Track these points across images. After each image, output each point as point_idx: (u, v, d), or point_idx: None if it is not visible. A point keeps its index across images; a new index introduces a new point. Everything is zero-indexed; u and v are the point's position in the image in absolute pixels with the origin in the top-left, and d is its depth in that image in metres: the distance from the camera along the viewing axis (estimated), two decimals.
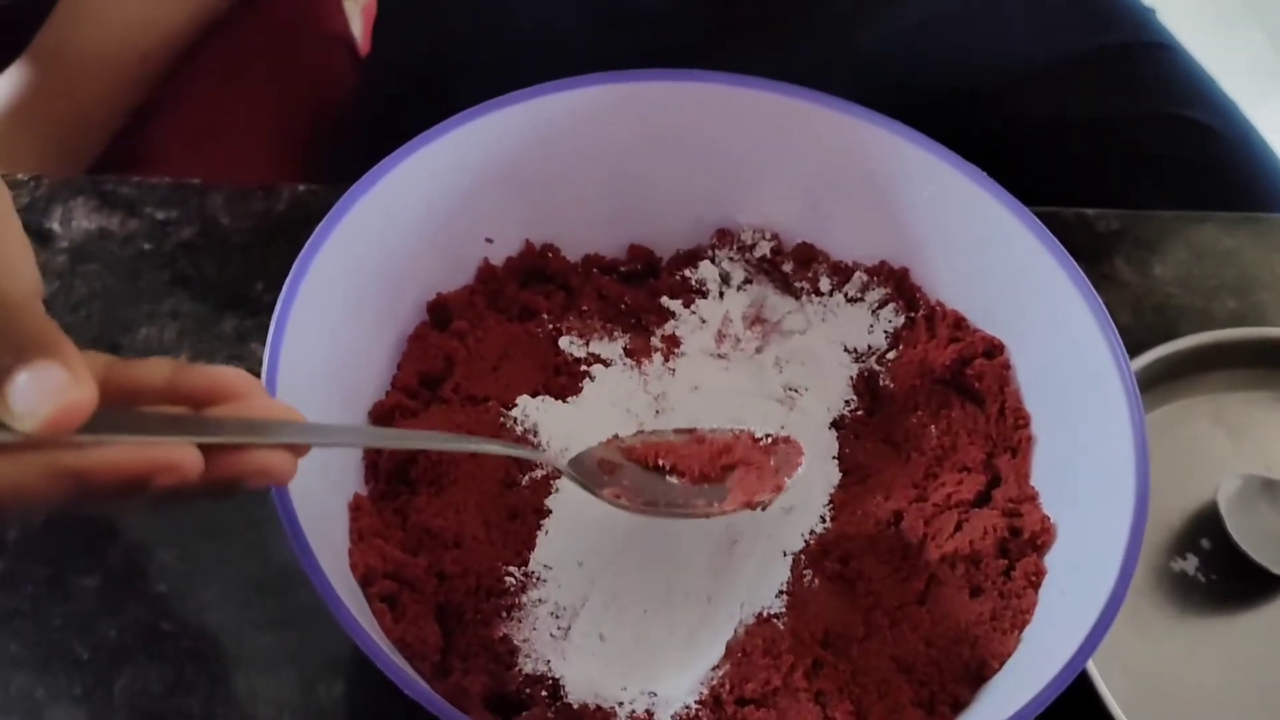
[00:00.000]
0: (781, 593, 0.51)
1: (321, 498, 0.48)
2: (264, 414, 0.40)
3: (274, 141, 0.79)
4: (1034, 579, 0.50)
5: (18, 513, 0.38)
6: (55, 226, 0.64)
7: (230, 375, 0.41)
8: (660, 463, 0.51)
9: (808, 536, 0.53)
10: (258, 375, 0.47)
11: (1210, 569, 0.58)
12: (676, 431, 0.53)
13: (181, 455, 0.37)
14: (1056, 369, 0.53)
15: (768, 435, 0.52)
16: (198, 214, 0.66)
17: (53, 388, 0.36)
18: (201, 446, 0.38)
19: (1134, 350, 0.60)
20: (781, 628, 0.50)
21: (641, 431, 0.53)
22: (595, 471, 0.50)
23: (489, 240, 0.57)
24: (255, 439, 0.39)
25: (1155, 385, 0.61)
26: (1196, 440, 0.62)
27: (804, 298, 0.58)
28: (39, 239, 0.64)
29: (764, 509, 0.51)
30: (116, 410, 0.38)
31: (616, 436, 0.52)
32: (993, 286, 0.55)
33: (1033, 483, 0.53)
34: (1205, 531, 0.59)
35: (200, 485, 0.38)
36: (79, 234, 0.64)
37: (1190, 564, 0.58)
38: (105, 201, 0.66)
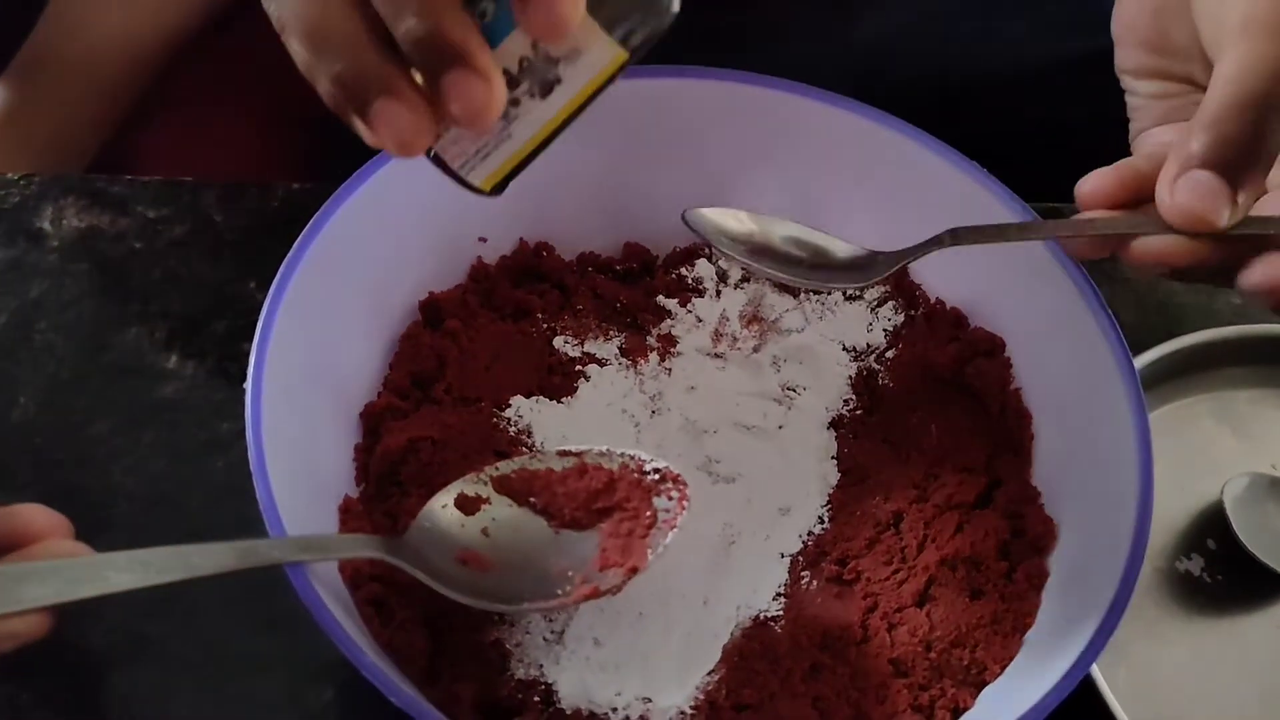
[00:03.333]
0: (779, 595, 0.50)
1: (310, 500, 0.48)
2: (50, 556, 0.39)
3: (266, 144, 0.78)
4: (1036, 581, 0.49)
5: None
6: (46, 225, 0.64)
7: (26, 518, 0.39)
8: (532, 500, 0.49)
9: (805, 538, 0.52)
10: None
11: (1216, 570, 0.57)
12: (560, 453, 0.50)
13: None
14: (1058, 367, 0.52)
15: (655, 470, 0.49)
16: (190, 212, 0.65)
17: None
18: None
19: (1137, 348, 0.59)
20: (779, 631, 0.49)
21: (527, 453, 0.51)
22: (450, 520, 0.48)
23: (482, 239, 0.57)
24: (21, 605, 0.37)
25: (1159, 383, 0.61)
26: (1202, 439, 0.61)
27: (802, 295, 0.57)
28: (30, 238, 0.63)
29: (614, 594, 0.47)
30: None
31: (497, 461, 0.50)
32: (992, 283, 0.54)
33: (1035, 483, 0.52)
34: (1211, 532, 0.58)
35: None
36: (69, 233, 0.63)
37: (1196, 564, 0.57)
38: (96, 200, 0.65)
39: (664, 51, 0.77)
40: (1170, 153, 0.43)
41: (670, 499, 0.48)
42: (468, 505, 0.48)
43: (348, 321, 0.52)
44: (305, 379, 0.49)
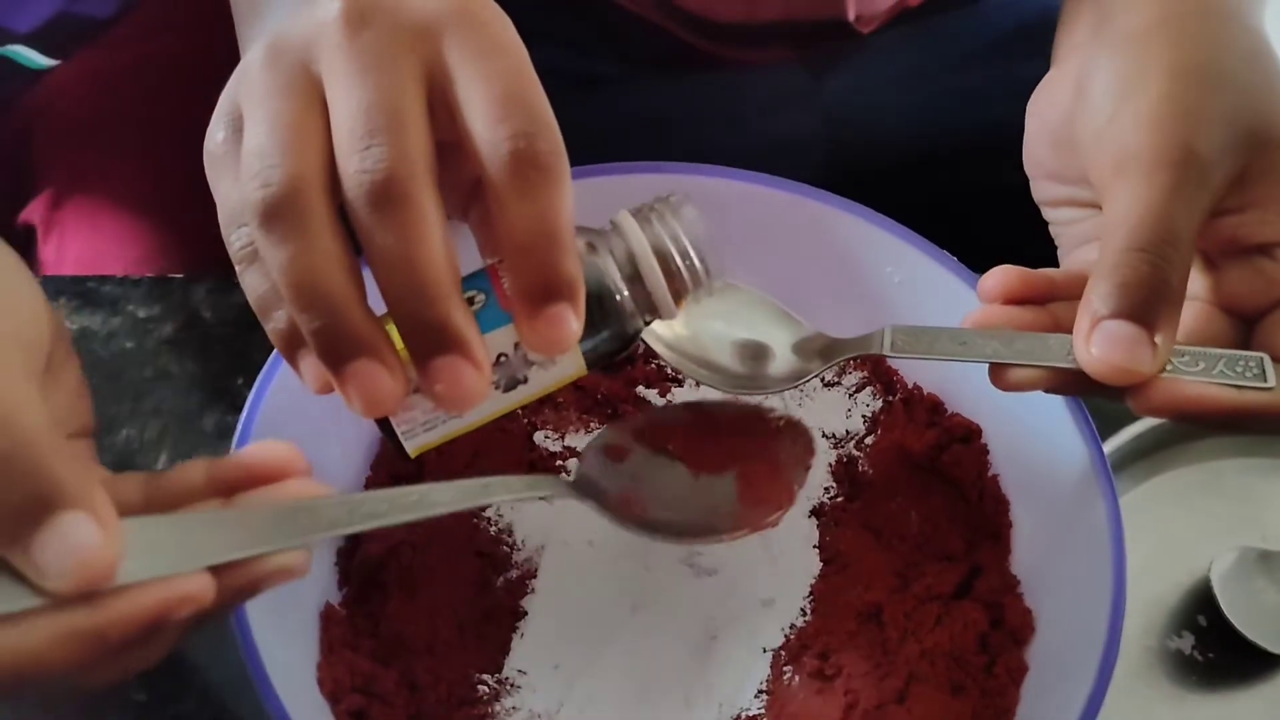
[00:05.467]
0: (761, 692, 0.50)
1: (291, 609, 0.48)
2: (296, 496, 0.39)
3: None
4: (1015, 675, 0.49)
5: (37, 686, 0.35)
6: None
7: (264, 455, 0.39)
8: (670, 447, 0.50)
9: (787, 630, 0.52)
10: None
11: (1208, 647, 0.57)
12: (686, 406, 0.52)
13: (194, 584, 0.35)
14: (1031, 452, 0.52)
15: (779, 417, 0.51)
16: (180, 308, 0.66)
17: (81, 543, 0.34)
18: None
19: (1123, 421, 0.59)
20: None
21: (654, 405, 0.53)
22: (603, 465, 0.49)
23: None
24: (274, 545, 0.37)
25: (1146, 456, 0.60)
26: (1191, 511, 0.61)
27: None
28: None
29: (773, 527, 0.49)
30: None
31: (631, 411, 0.51)
32: (967, 368, 0.54)
33: (1014, 570, 0.52)
34: (1201, 608, 0.57)
35: (216, 606, 0.36)
36: None
37: (1186, 642, 0.57)
38: (87, 300, 0.66)
39: (628, 124, 0.78)
40: (1079, 307, 0.43)
41: (794, 444, 0.50)
42: (615, 454, 0.50)
43: (328, 423, 0.53)
44: None
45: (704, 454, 0.50)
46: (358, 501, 0.40)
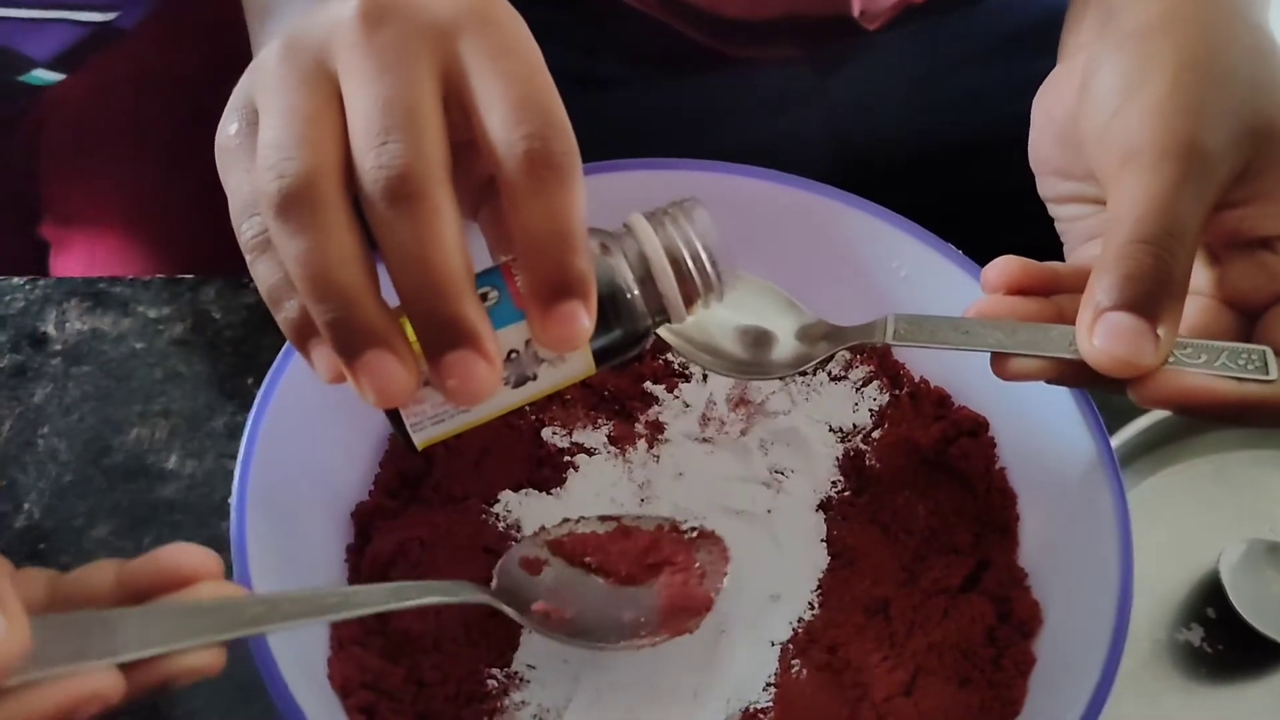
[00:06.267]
0: (769, 685, 0.50)
1: None
2: (212, 597, 0.38)
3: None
4: (1023, 668, 0.49)
5: None
6: (50, 329, 0.65)
7: (176, 558, 0.38)
8: (587, 560, 0.51)
9: (796, 625, 0.52)
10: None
11: (1216, 639, 0.56)
12: (601, 519, 0.52)
13: (101, 681, 0.34)
14: (1038, 446, 0.52)
15: (691, 528, 0.52)
16: (190, 309, 0.66)
17: None
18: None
19: (1133, 413, 0.59)
20: None
21: (568, 520, 0.53)
22: (521, 578, 0.50)
23: None
24: (188, 643, 0.36)
25: (1156, 448, 0.60)
26: (1200, 503, 0.61)
27: (787, 377, 0.58)
28: (33, 343, 0.64)
29: (692, 632, 0.50)
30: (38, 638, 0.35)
31: (543, 528, 0.52)
32: (973, 361, 0.54)
33: (1021, 563, 0.52)
34: (1210, 600, 0.57)
35: (124, 702, 0.35)
36: (72, 336, 0.65)
37: (1196, 634, 0.57)
38: (98, 302, 0.66)
39: (634, 124, 0.78)
40: (1083, 298, 0.43)
41: (710, 554, 0.51)
42: (531, 566, 0.50)
43: (337, 422, 0.53)
44: (295, 480, 0.50)
45: (621, 566, 0.51)
46: (278, 600, 0.39)
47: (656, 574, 0.50)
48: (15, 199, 0.80)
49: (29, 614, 0.35)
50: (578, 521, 0.52)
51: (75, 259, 0.77)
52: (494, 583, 0.49)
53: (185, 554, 0.39)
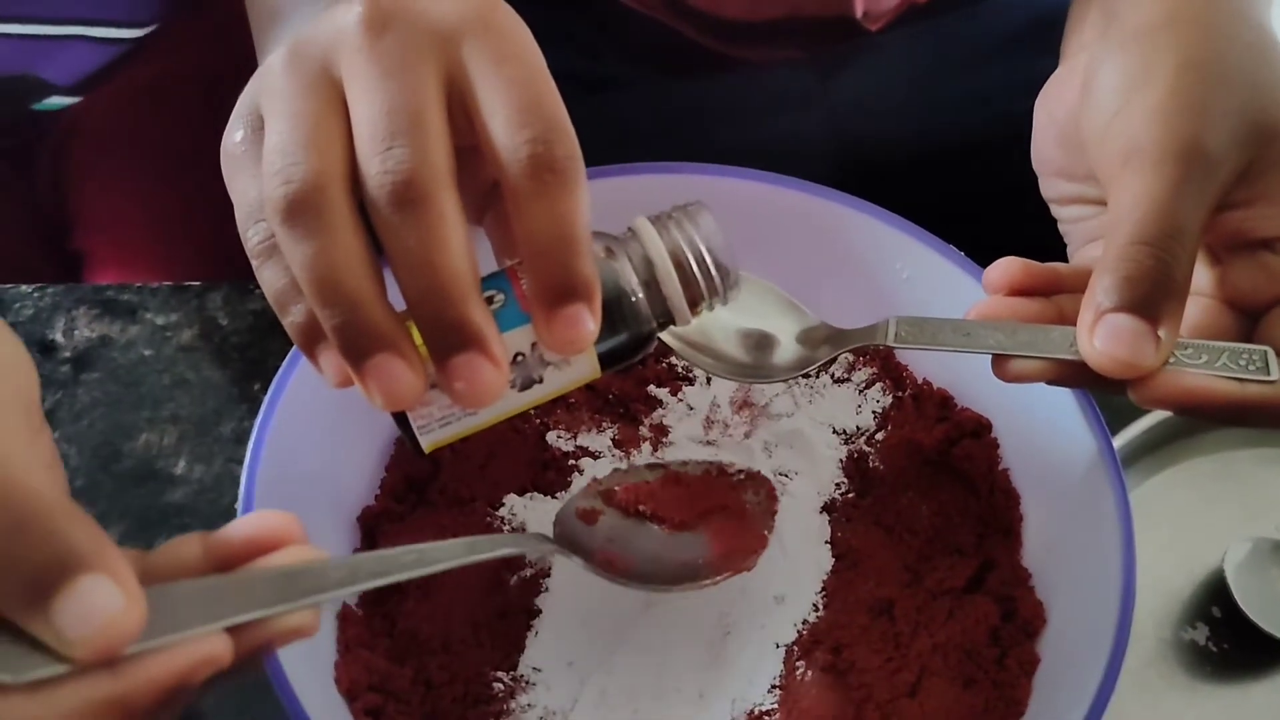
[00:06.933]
0: (774, 687, 0.51)
1: None
2: (297, 561, 0.38)
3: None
4: (1027, 668, 0.49)
5: None
6: (58, 337, 0.66)
7: (260, 525, 0.38)
8: (641, 509, 0.51)
9: (800, 627, 0.52)
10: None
11: (1221, 638, 0.57)
12: (649, 466, 0.53)
13: (215, 646, 0.34)
14: (1041, 446, 0.52)
15: (739, 471, 0.53)
16: (197, 315, 0.67)
17: (103, 607, 0.32)
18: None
19: (1136, 412, 0.59)
20: None
21: (617, 470, 0.53)
22: (579, 528, 0.50)
23: None
24: (288, 605, 0.37)
25: (1158, 448, 0.60)
26: (1204, 503, 0.61)
27: (790, 379, 0.58)
28: (42, 350, 0.65)
29: (749, 570, 0.50)
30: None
31: (595, 479, 0.52)
32: (975, 362, 0.54)
33: (1025, 563, 0.52)
34: (1215, 599, 0.57)
35: (232, 667, 0.35)
36: (81, 343, 0.65)
37: (1201, 633, 0.57)
38: (107, 309, 0.67)
39: (634, 126, 0.78)
40: (1084, 299, 0.43)
41: (757, 495, 0.52)
42: (587, 517, 0.51)
43: (344, 427, 0.53)
44: (302, 484, 0.50)
45: (674, 513, 0.51)
46: (359, 562, 0.40)
47: (708, 519, 0.51)
48: (44, 213, 0.80)
49: None
50: (627, 471, 0.53)
51: (108, 270, 0.77)
52: (554, 534, 0.50)
53: (270, 520, 0.38)
